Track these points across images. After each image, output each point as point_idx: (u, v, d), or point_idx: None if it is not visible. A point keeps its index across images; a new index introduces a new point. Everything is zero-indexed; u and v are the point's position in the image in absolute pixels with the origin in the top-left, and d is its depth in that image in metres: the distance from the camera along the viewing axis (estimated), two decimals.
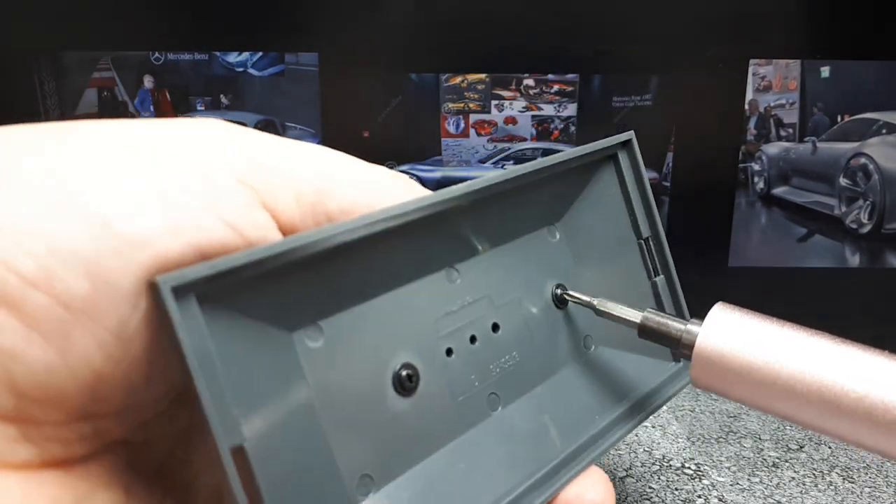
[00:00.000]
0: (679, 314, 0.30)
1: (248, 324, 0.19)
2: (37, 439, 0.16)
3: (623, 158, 0.29)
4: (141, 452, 0.20)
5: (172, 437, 0.20)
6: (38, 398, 0.16)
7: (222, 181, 0.18)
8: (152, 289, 0.16)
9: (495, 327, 0.27)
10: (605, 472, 0.40)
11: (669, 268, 0.30)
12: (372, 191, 0.21)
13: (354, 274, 0.21)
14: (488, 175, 0.24)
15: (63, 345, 0.15)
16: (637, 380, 0.30)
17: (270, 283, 0.18)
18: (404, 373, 0.23)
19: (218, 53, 0.53)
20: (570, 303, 0.29)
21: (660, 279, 0.30)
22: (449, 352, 0.25)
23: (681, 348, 0.24)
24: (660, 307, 0.30)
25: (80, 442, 0.17)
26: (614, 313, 0.26)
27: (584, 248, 0.30)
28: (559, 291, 0.29)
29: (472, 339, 0.26)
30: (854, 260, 0.58)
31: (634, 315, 0.26)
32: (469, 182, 0.23)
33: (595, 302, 0.27)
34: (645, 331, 0.25)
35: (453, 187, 0.22)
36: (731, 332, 0.23)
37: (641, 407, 0.29)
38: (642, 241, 0.29)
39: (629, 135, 0.29)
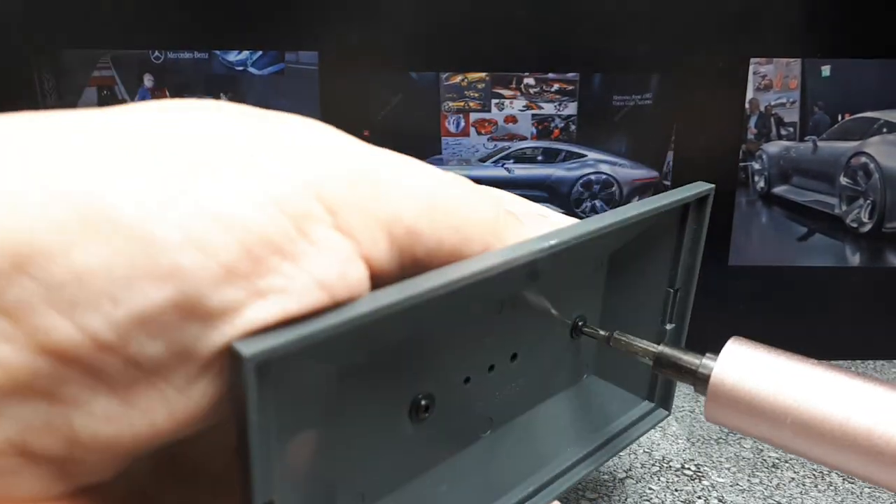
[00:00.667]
0: None
1: (310, 381, 0.18)
2: (77, 475, 0.16)
3: (693, 212, 0.28)
4: (161, 451, 0.20)
5: None
6: (92, 446, 0.15)
7: (323, 235, 0.16)
8: (234, 359, 0.15)
9: (514, 357, 0.26)
10: (606, 473, 0.40)
11: (685, 319, 0.30)
12: (461, 231, 0.19)
13: (412, 317, 0.18)
14: (584, 225, 0.22)
15: (128, 399, 0.15)
16: (613, 413, 0.30)
17: (339, 341, 0.16)
18: (423, 402, 0.23)
19: (218, 52, 0.53)
20: (580, 328, 0.29)
21: (671, 327, 0.30)
22: (467, 380, 0.25)
23: (696, 382, 0.24)
24: None
25: (116, 469, 0.17)
26: (631, 346, 0.27)
27: (617, 281, 0.30)
28: (580, 323, 0.29)
29: (491, 368, 0.25)
30: (854, 259, 0.58)
31: (652, 348, 0.26)
32: (568, 229, 0.21)
33: (612, 334, 0.27)
34: (661, 363, 0.26)
35: (549, 237, 0.21)
36: (746, 367, 0.23)
37: (610, 444, 0.29)
38: (672, 290, 0.29)
39: (709, 190, 0.27)
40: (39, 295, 0.13)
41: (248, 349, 0.14)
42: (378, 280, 0.17)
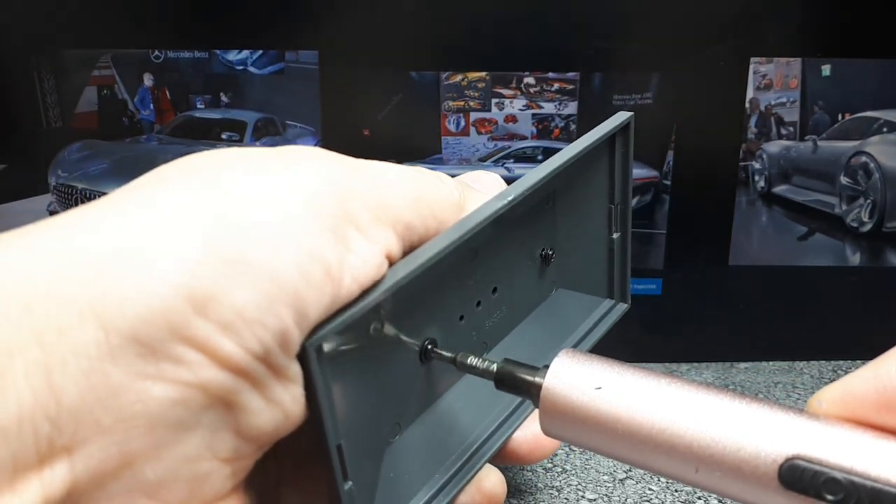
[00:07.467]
0: (622, 269, 0.35)
1: (354, 350, 0.23)
2: (237, 471, 0.20)
3: (619, 139, 0.33)
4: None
5: None
6: (251, 440, 0.20)
7: (358, 244, 0.21)
8: (301, 349, 0.20)
9: (494, 290, 0.31)
10: (605, 474, 0.40)
11: (627, 228, 0.35)
12: (440, 216, 0.24)
13: (416, 280, 0.23)
14: (534, 174, 0.27)
15: (269, 395, 0.20)
16: (582, 316, 0.35)
17: (366, 317, 0.22)
18: (429, 346, 0.27)
19: (218, 51, 0.53)
20: (549, 257, 0.34)
21: (617, 236, 0.34)
22: (461, 318, 0.29)
23: (533, 398, 0.23)
24: (610, 259, 0.35)
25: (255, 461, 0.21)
26: (473, 366, 0.26)
27: (567, 211, 0.35)
28: (549, 252, 0.34)
29: (478, 304, 0.30)
30: (855, 259, 0.58)
31: (491, 366, 0.25)
32: (519, 183, 0.26)
33: (457, 357, 0.27)
34: (501, 381, 0.25)
35: (505, 195, 0.25)
36: (574, 382, 0.22)
37: (583, 341, 0.34)
38: (613, 206, 0.34)
39: (629, 118, 0.32)
40: (214, 328, 0.18)
41: (307, 340, 0.20)
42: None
